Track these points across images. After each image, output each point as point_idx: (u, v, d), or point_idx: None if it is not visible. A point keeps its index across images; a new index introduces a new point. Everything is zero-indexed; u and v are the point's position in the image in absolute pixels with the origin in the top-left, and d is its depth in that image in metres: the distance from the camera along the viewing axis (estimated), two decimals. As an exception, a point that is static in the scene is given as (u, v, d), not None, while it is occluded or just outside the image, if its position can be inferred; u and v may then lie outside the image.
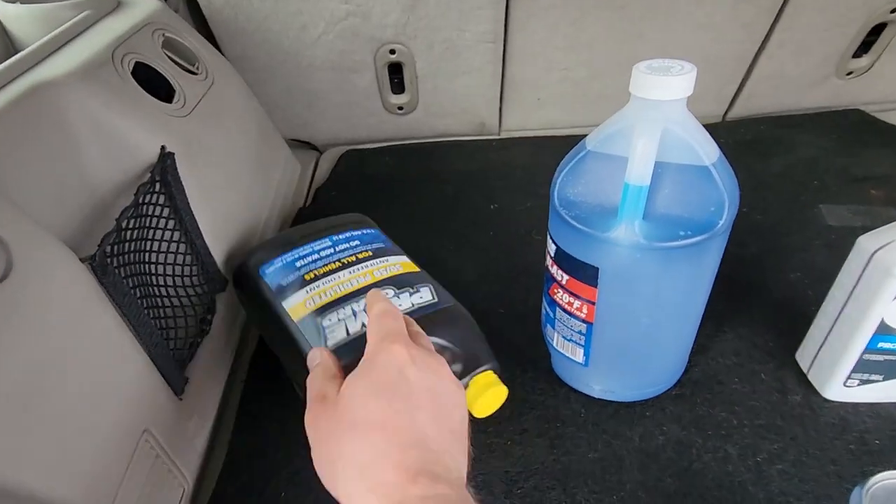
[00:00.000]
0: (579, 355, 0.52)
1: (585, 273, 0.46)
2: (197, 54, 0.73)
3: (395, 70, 0.93)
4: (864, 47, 0.96)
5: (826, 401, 0.54)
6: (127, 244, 0.46)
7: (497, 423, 0.53)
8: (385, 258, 0.56)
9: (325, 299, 0.51)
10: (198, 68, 0.72)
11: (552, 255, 0.49)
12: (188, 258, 0.56)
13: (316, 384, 0.35)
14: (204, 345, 0.56)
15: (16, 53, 0.52)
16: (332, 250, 0.57)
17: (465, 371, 0.49)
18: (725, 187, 0.42)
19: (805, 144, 0.93)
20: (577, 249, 0.46)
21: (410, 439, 0.31)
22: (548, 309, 0.54)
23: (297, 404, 0.53)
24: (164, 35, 0.69)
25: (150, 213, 0.51)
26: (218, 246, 0.61)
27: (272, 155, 0.87)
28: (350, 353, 0.47)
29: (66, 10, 0.63)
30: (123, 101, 0.56)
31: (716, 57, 0.93)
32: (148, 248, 0.50)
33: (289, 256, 0.57)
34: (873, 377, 0.51)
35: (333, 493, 0.32)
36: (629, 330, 0.49)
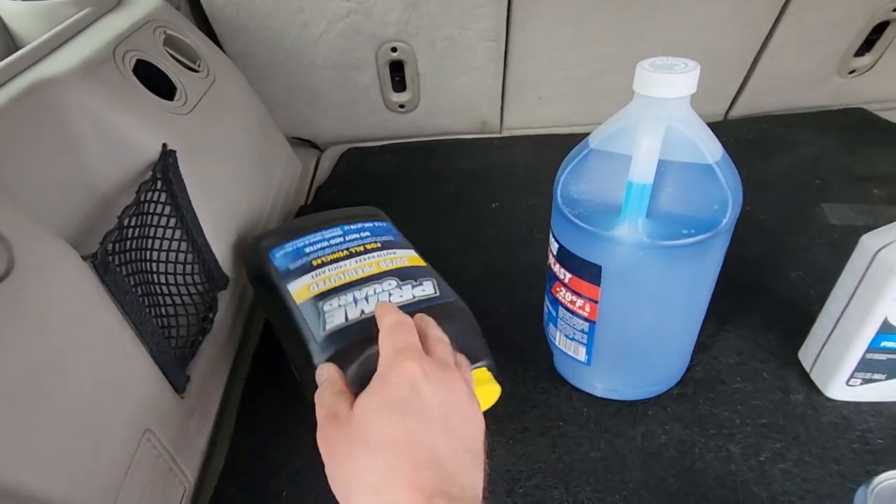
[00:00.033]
0: (581, 354, 0.52)
1: (588, 271, 0.46)
2: (198, 52, 0.73)
3: (397, 68, 0.92)
4: (867, 46, 0.96)
5: (828, 400, 0.54)
6: (128, 242, 0.46)
7: (499, 422, 0.53)
8: (393, 251, 0.57)
9: (329, 285, 0.53)
10: (199, 66, 0.72)
11: (555, 253, 0.49)
12: (189, 256, 0.56)
13: (326, 401, 0.35)
14: (205, 343, 0.56)
15: (17, 50, 0.52)
16: (341, 239, 0.58)
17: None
18: (729, 185, 0.42)
19: (807, 143, 0.93)
20: (579, 248, 0.46)
21: (424, 457, 0.30)
22: (550, 307, 0.53)
23: (299, 404, 0.53)
24: (165, 32, 0.68)
25: (151, 210, 0.51)
26: (219, 244, 0.61)
27: (273, 153, 0.86)
28: (344, 339, 0.48)
29: (67, 7, 0.62)
30: (125, 98, 0.56)
31: (718, 55, 0.93)
32: (149, 246, 0.50)
33: (299, 242, 0.59)
34: (876, 376, 0.51)
35: None
36: (632, 328, 0.49)
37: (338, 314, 0.50)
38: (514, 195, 0.85)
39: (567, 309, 0.50)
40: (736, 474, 0.48)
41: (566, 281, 0.48)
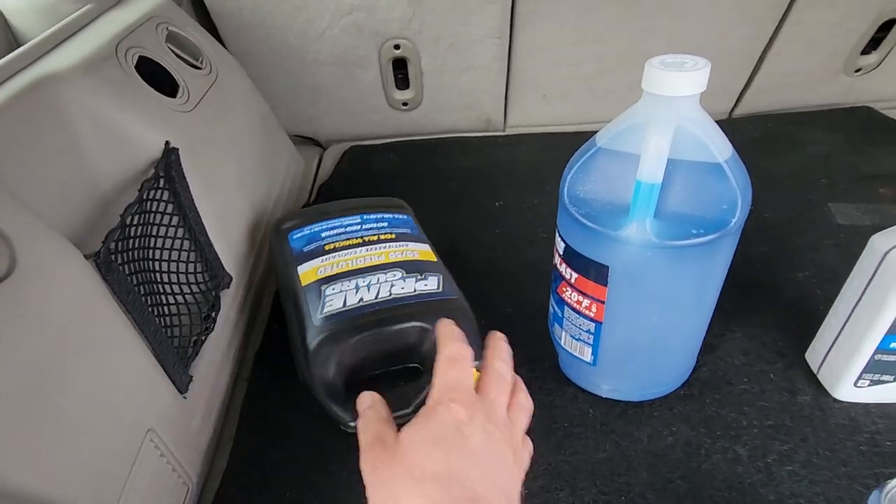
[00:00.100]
0: (587, 354, 0.52)
1: (595, 271, 0.45)
2: (201, 49, 0.72)
3: (400, 65, 0.92)
4: (874, 44, 0.95)
5: (836, 401, 0.53)
6: (131, 241, 0.46)
7: (504, 423, 0.53)
8: (406, 243, 0.58)
9: (336, 270, 0.55)
10: (202, 63, 0.71)
11: (561, 253, 0.48)
12: (192, 255, 0.55)
13: (373, 427, 0.36)
14: (208, 342, 0.55)
15: (18, 47, 0.52)
16: (358, 227, 0.60)
17: None
18: (738, 185, 0.41)
19: (813, 142, 0.92)
20: (586, 248, 0.45)
21: (463, 494, 0.31)
22: (556, 307, 0.53)
23: (303, 404, 0.53)
24: (167, 29, 0.68)
25: (154, 209, 0.50)
26: (221, 242, 0.60)
27: (276, 151, 0.86)
28: (338, 324, 0.50)
29: (68, 3, 0.62)
30: (127, 95, 0.55)
31: (723, 53, 0.92)
32: (152, 244, 0.50)
33: (317, 226, 0.61)
34: (884, 377, 0.50)
35: None
36: (639, 329, 0.48)
37: (336, 299, 0.52)
38: (517, 194, 0.84)
39: (573, 309, 0.50)
40: (743, 476, 0.48)
41: (572, 281, 0.48)
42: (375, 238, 0.59)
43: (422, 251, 0.58)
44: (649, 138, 0.39)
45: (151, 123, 0.55)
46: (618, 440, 0.51)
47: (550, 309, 0.56)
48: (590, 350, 0.51)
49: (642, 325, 0.48)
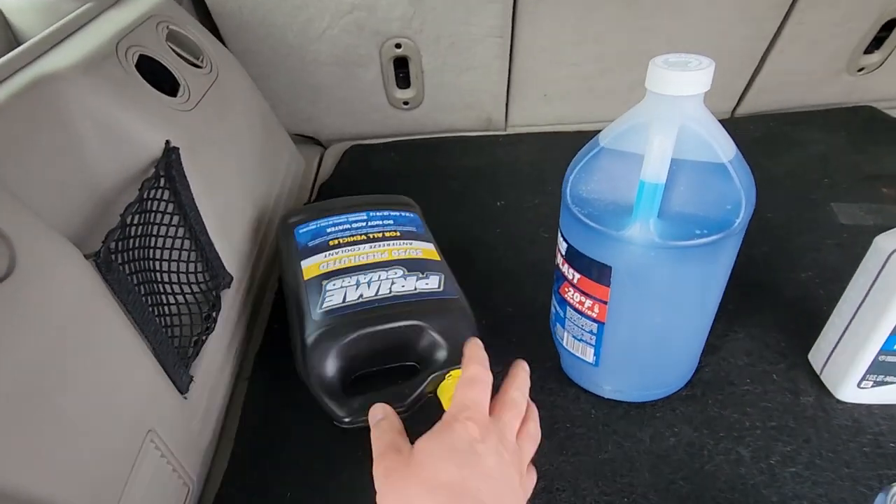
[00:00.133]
0: (590, 355, 0.51)
1: (598, 272, 0.45)
2: (201, 47, 0.72)
3: (401, 64, 0.92)
4: (876, 43, 0.95)
5: (839, 402, 0.53)
6: (131, 240, 0.46)
7: (506, 424, 0.52)
8: (410, 241, 0.58)
9: (338, 266, 0.55)
10: (202, 62, 0.71)
11: (563, 253, 0.48)
12: (192, 254, 0.55)
13: (388, 436, 0.37)
14: (209, 342, 0.55)
15: (18, 46, 0.52)
16: (363, 224, 0.61)
17: (449, 363, 0.49)
18: (742, 185, 0.41)
19: (815, 142, 0.92)
20: (589, 248, 0.45)
21: None
22: (558, 308, 0.53)
23: (301, 404, 0.53)
24: (168, 28, 0.68)
25: (154, 208, 0.50)
26: (222, 242, 0.60)
27: (277, 150, 0.86)
28: (336, 319, 0.50)
29: (68, 1, 0.62)
30: (127, 94, 0.55)
31: (725, 52, 0.92)
32: (152, 244, 0.50)
33: (323, 221, 0.62)
34: (888, 378, 0.50)
35: None
36: (641, 330, 0.48)
37: (336, 294, 0.52)
38: (519, 193, 0.84)
39: (575, 309, 0.49)
40: (746, 477, 0.48)
41: (575, 281, 0.48)
42: (380, 235, 0.59)
43: (425, 250, 0.58)
44: (653, 138, 0.39)
45: (152, 122, 0.55)
46: (620, 441, 0.51)
47: (552, 309, 0.55)
48: (592, 351, 0.51)
49: (645, 325, 0.47)
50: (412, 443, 0.36)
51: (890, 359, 0.49)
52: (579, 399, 0.54)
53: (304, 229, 0.61)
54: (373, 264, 0.55)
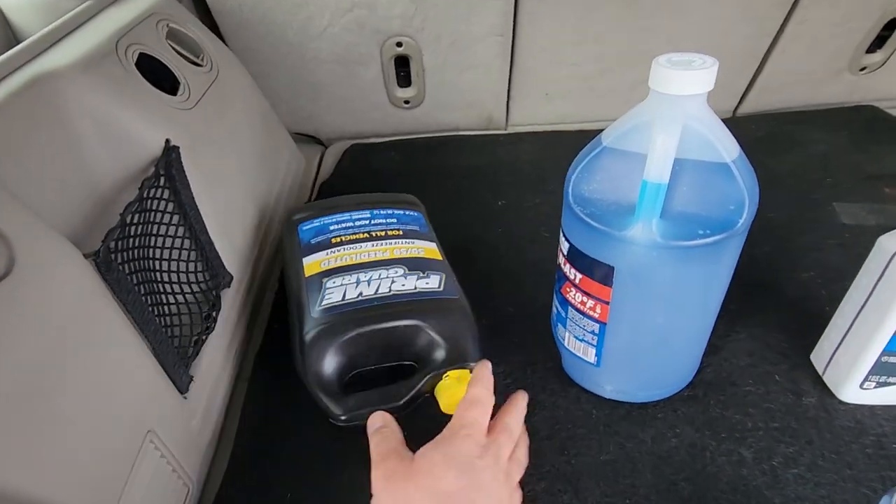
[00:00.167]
0: (591, 355, 0.51)
1: (600, 272, 0.45)
2: (201, 45, 0.72)
3: (402, 63, 0.91)
4: (879, 42, 0.95)
5: (841, 403, 0.53)
6: (131, 240, 0.45)
7: (507, 424, 0.52)
8: (413, 240, 0.58)
9: (339, 263, 0.55)
10: (202, 60, 0.71)
11: (565, 253, 0.48)
12: (192, 254, 0.55)
13: (389, 443, 0.39)
14: (209, 342, 0.55)
15: (17, 44, 0.51)
16: (367, 222, 0.61)
17: (447, 363, 0.49)
18: (746, 185, 0.41)
19: (817, 141, 0.92)
20: (591, 248, 0.45)
21: None
22: (559, 308, 0.53)
23: (301, 404, 0.52)
24: (168, 26, 0.67)
25: (154, 207, 0.50)
26: (222, 241, 0.60)
27: (277, 149, 0.86)
28: (335, 317, 0.50)
29: (68, -1, 0.61)
30: (127, 93, 0.55)
31: (727, 51, 0.92)
32: (152, 243, 0.49)
33: (327, 219, 0.62)
34: (891, 379, 0.50)
35: None
36: (643, 330, 0.48)
37: (336, 292, 0.52)
38: (520, 193, 0.84)
39: (577, 310, 0.49)
40: (748, 479, 0.47)
41: (577, 281, 0.47)
42: (382, 234, 0.59)
43: (427, 249, 0.58)
44: (656, 137, 0.39)
45: (152, 121, 0.55)
46: (622, 442, 0.50)
47: (553, 309, 0.55)
48: (594, 351, 0.51)
49: (647, 326, 0.47)
50: (411, 451, 0.38)
51: (893, 359, 0.48)
52: (580, 399, 0.54)
53: (308, 226, 0.61)
54: (374, 262, 0.55)
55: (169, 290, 0.51)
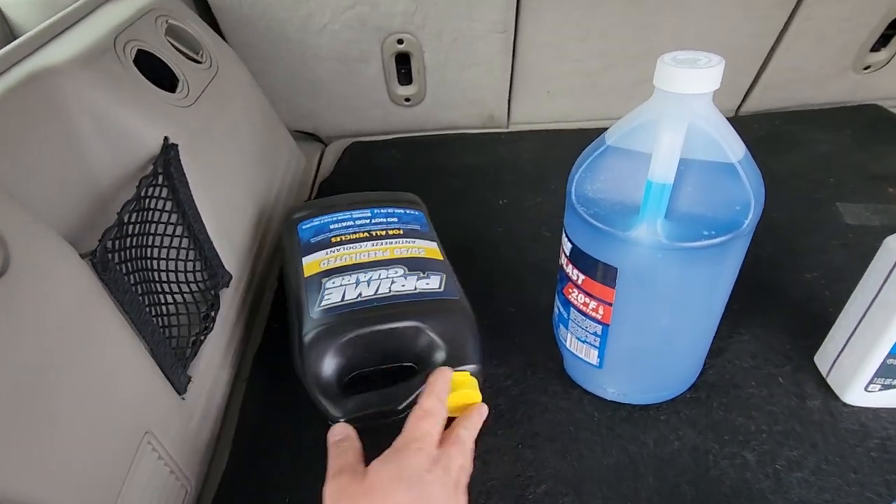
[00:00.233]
0: (593, 357, 0.51)
1: (603, 273, 0.44)
2: (201, 42, 0.71)
3: (403, 60, 0.91)
4: (883, 41, 0.94)
5: (846, 406, 0.52)
6: (128, 239, 0.45)
7: (508, 427, 0.52)
8: (413, 240, 0.58)
9: (339, 263, 0.55)
10: (202, 57, 0.70)
11: (567, 253, 0.47)
12: (191, 253, 0.54)
13: (346, 457, 0.40)
14: (207, 342, 0.54)
15: (15, 39, 0.51)
16: (367, 221, 0.60)
17: (447, 365, 0.49)
18: (751, 185, 0.40)
19: (820, 141, 0.91)
20: (594, 248, 0.44)
21: None
22: (561, 309, 0.52)
23: (301, 404, 0.52)
24: (167, 22, 0.67)
25: (152, 206, 0.49)
26: (221, 240, 0.59)
27: (277, 147, 0.85)
28: (334, 318, 0.50)
29: (66, -5, 0.61)
30: (125, 90, 0.54)
31: (730, 49, 0.90)
32: (150, 242, 0.49)
33: (327, 218, 0.61)
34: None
35: None
36: (646, 332, 0.47)
37: (335, 293, 0.52)
38: (521, 191, 0.83)
39: (579, 311, 0.49)
40: (751, 482, 0.47)
41: (579, 282, 0.47)
42: (383, 233, 0.58)
43: (428, 249, 0.58)
44: (661, 137, 0.38)
45: (150, 118, 0.54)
46: (624, 445, 0.50)
47: (555, 310, 0.55)
48: (596, 353, 0.50)
49: (650, 327, 0.47)
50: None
51: (898, 362, 0.48)
52: (582, 401, 0.54)
53: (308, 225, 0.61)
54: (374, 262, 0.55)
55: (167, 289, 0.51)
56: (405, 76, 0.93)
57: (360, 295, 0.51)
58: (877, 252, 0.47)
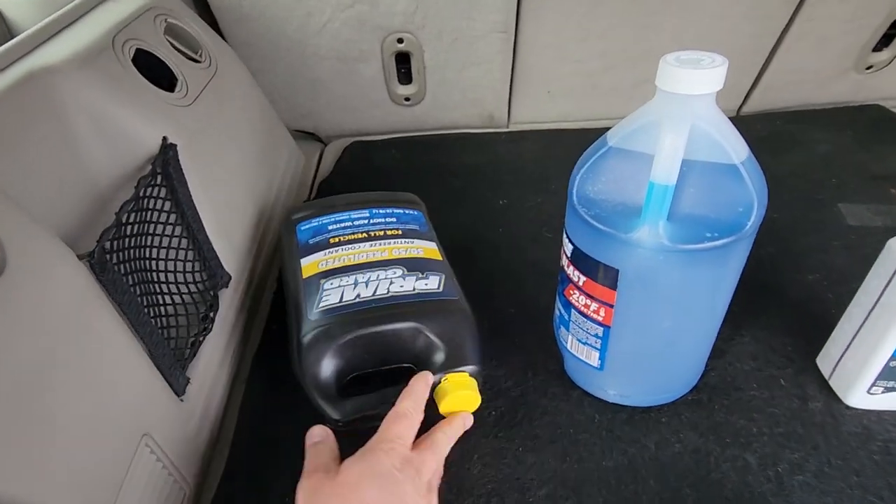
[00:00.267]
0: (594, 359, 0.50)
1: (604, 275, 0.44)
2: (200, 41, 0.71)
3: (403, 60, 0.90)
4: (885, 41, 0.93)
5: (848, 408, 0.52)
6: (127, 239, 0.44)
7: (508, 428, 0.52)
8: (412, 240, 0.58)
9: (337, 264, 0.54)
10: (201, 56, 0.70)
11: (568, 255, 0.47)
12: (190, 254, 0.54)
13: (322, 458, 0.41)
14: (206, 343, 0.54)
15: (12, 38, 0.50)
16: (365, 221, 0.60)
17: (447, 366, 0.48)
18: (754, 187, 0.40)
19: (822, 141, 0.91)
20: (595, 250, 0.44)
21: None
22: (562, 310, 0.52)
23: (300, 405, 0.52)
24: (166, 21, 0.66)
25: (150, 206, 0.49)
26: (220, 241, 0.59)
27: (276, 146, 0.85)
28: (332, 319, 0.50)
29: (64, -7, 0.60)
30: (124, 89, 0.54)
31: (731, 49, 0.89)
32: (148, 243, 0.49)
33: (325, 218, 0.61)
34: (899, 385, 0.49)
35: None
36: (648, 334, 0.47)
37: (333, 294, 0.51)
38: (521, 191, 0.83)
39: (580, 312, 0.48)
40: (753, 486, 0.47)
41: (580, 284, 0.47)
42: (381, 233, 0.58)
43: (427, 249, 0.57)
44: (664, 138, 0.38)
45: (149, 118, 0.54)
46: (625, 447, 0.50)
47: (556, 311, 0.54)
48: (597, 354, 0.50)
49: (652, 329, 0.46)
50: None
51: (901, 365, 0.48)
52: (583, 403, 0.53)
53: (306, 226, 0.61)
54: (372, 263, 0.54)
55: (165, 290, 0.50)
56: (405, 76, 0.93)
57: (358, 296, 0.51)
58: (880, 254, 0.47)
